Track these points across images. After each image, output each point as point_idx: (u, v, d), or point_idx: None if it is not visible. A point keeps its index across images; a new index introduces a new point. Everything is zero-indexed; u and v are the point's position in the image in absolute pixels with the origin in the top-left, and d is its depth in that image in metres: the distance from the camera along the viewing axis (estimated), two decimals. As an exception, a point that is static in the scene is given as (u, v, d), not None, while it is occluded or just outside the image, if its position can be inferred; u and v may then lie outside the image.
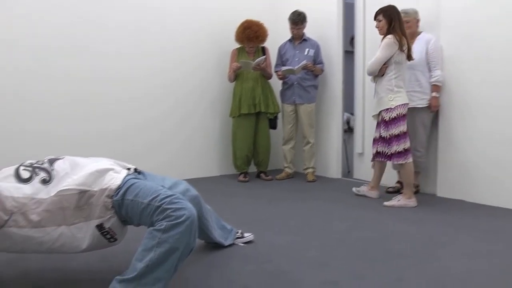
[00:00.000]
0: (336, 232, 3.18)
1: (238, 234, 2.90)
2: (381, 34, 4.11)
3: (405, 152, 4.00)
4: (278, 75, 5.39)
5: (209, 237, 2.67)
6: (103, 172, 2.02)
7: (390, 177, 4.62)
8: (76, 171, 2.03)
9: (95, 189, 1.97)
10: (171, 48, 5.29)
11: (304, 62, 5.10)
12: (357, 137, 5.44)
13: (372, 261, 2.58)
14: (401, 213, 3.71)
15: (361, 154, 5.36)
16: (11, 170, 2.06)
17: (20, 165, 2.08)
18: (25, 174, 2.01)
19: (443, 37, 4.30)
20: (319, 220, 3.50)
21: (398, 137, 3.99)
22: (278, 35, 5.64)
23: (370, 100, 4.96)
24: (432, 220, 3.51)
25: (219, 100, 5.71)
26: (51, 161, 2.11)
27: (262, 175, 5.48)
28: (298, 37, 5.33)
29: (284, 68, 5.23)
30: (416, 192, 4.41)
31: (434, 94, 4.24)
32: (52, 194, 1.95)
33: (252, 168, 5.61)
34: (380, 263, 2.55)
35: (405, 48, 3.97)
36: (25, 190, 1.95)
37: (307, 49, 5.28)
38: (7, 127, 4.24)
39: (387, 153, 4.09)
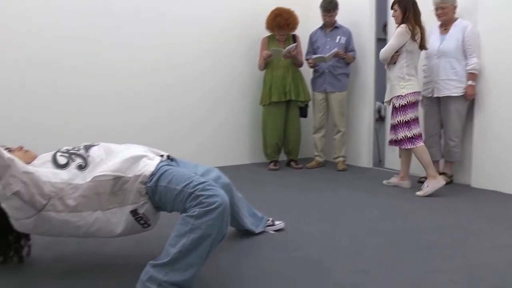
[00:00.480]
0: (366, 221, 3.16)
1: (269, 222, 2.91)
2: (396, 23, 4.16)
3: (414, 137, 4.07)
4: (309, 63, 5.35)
5: (240, 224, 2.69)
6: (137, 158, 2.05)
7: (422, 167, 4.54)
8: (111, 157, 2.07)
9: (129, 175, 2.00)
10: (201, 37, 5.30)
11: (335, 49, 5.04)
12: (388, 126, 5.35)
13: (404, 251, 2.55)
14: (433, 204, 3.65)
15: (392, 143, 5.29)
16: (48, 156, 2.12)
17: (57, 151, 2.13)
18: (62, 160, 2.07)
19: (480, 23, 4.17)
20: (349, 209, 3.47)
21: (407, 123, 4.07)
22: (309, 22, 5.59)
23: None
24: (466, 211, 3.45)
25: (250, 89, 5.71)
26: (87, 148, 2.15)
27: (292, 163, 5.47)
28: (329, 25, 5.26)
29: (315, 56, 5.18)
30: (450, 183, 4.33)
31: (470, 82, 4.13)
32: (88, 179, 1.99)
33: (283, 157, 5.60)
34: (412, 253, 2.52)
35: (417, 37, 4.04)
36: (62, 175, 2.01)
37: (338, 37, 5.21)
38: (42, 121, 4.38)
39: (395, 139, 4.20)
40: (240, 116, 5.70)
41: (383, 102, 4.69)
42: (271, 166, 5.34)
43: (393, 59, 4.15)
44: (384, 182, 4.45)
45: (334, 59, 5.14)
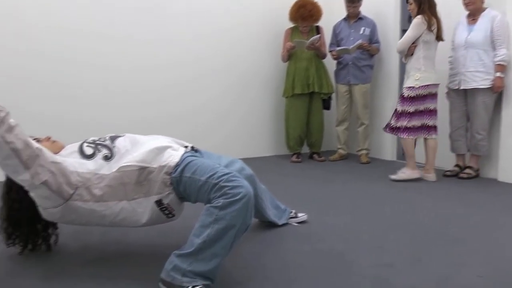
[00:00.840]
0: (390, 214, 3.13)
1: (292, 214, 2.91)
2: (412, 16, 4.18)
3: (411, 129, 4.17)
4: (332, 55, 5.31)
5: (263, 216, 2.69)
6: (162, 149, 2.07)
7: (447, 160, 4.49)
8: (136, 148, 2.09)
9: (154, 166, 2.01)
10: (224, 29, 5.31)
11: (359, 41, 4.98)
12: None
13: (428, 245, 2.52)
14: (459, 197, 3.60)
15: (417, 136, 5.22)
16: (75, 146, 2.15)
17: (84, 142, 2.17)
18: (88, 151, 2.10)
19: (510, 13, 4.07)
20: (372, 202, 3.45)
21: (410, 114, 4.15)
22: (332, 14, 5.54)
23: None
24: (492, 205, 3.39)
25: (273, 80, 5.70)
26: (113, 139, 2.18)
27: (315, 156, 5.45)
28: (353, 16, 5.21)
29: (338, 48, 5.13)
30: (476, 177, 4.26)
31: (498, 74, 4.04)
32: (114, 170, 2.02)
33: (305, 149, 5.58)
34: (436, 247, 2.49)
35: (434, 28, 4.08)
36: (89, 165, 2.04)
37: (362, 28, 5.15)
38: (70, 116, 4.46)
39: (393, 125, 4.26)
40: (263, 108, 5.70)
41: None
42: (294, 158, 5.33)
43: (410, 51, 4.18)
44: (392, 177, 4.30)
45: (358, 50, 5.08)
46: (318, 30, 5.31)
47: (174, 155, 2.05)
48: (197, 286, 1.81)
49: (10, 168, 1.87)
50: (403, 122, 4.17)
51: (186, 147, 2.21)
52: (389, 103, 5.34)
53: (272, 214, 2.74)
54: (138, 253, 2.39)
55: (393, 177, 4.25)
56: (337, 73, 5.41)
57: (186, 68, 5.09)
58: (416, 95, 4.12)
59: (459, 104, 4.32)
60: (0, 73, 4.10)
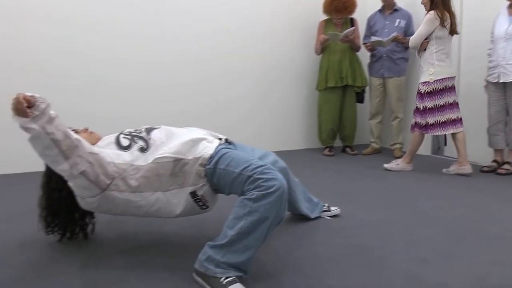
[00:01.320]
0: (424, 209, 3.07)
1: (324, 208, 2.90)
2: (426, 10, 4.18)
3: (436, 125, 4.17)
4: (366, 47, 5.23)
5: (296, 209, 2.69)
6: (196, 141, 2.08)
7: (485, 156, 4.37)
8: (171, 140, 2.12)
9: (189, 158, 2.04)
10: (256, 21, 5.31)
11: (393, 34, 4.89)
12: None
13: (464, 241, 2.47)
14: (496, 193, 3.50)
15: (453, 131, 5.10)
16: (112, 137, 2.20)
17: (120, 133, 2.21)
18: (124, 142, 2.14)
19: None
20: (406, 197, 3.39)
21: (432, 110, 4.16)
22: (367, 5, 5.48)
23: (464, 74, 4.70)
24: (532, 202, 3.29)
25: (305, 73, 5.67)
26: (148, 130, 2.21)
27: (348, 149, 5.40)
28: (388, 7, 5.12)
29: (373, 38, 5.05)
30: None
31: None
32: (149, 161, 2.05)
33: (338, 143, 5.54)
34: (472, 243, 2.44)
35: (447, 23, 4.07)
36: (125, 156, 2.07)
37: (398, 20, 5.06)
38: (106, 112, 4.54)
39: (423, 124, 4.24)
40: (295, 101, 5.68)
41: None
42: (326, 152, 5.30)
43: (423, 46, 4.19)
44: (444, 170, 4.31)
45: (392, 43, 4.99)
46: (352, 22, 5.24)
47: (209, 147, 2.07)
48: (230, 277, 1.82)
49: (50, 158, 1.92)
50: (428, 119, 4.17)
51: (220, 139, 2.22)
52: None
53: (304, 207, 2.74)
54: (171, 243, 2.42)
55: (386, 165, 4.43)
56: (370, 66, 5.33)
57: (217, 62, 5.12)
58: (433, 89, 4.12)
59: (498, 97, 4.20)
60: (33, 69, 4.22)
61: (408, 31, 5.04)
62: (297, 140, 5.73)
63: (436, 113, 4.16)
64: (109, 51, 4.54)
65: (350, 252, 2.31)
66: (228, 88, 5.21)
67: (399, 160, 4.44)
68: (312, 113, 5.67)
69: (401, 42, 5.00)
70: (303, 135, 5.78)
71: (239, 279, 1.85)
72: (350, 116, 5.34)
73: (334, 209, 2.92)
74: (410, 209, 3.09)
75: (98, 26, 4.47)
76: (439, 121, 4.15)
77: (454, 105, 4.19)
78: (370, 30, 5.25)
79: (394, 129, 5.24)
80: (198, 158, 2.03)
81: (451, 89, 4.18)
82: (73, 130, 2.13)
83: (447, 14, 4.06)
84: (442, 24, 4.05)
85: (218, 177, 2.00)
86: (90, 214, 2.46)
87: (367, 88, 5.41)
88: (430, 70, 4.14)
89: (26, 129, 1.80)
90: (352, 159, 5.08)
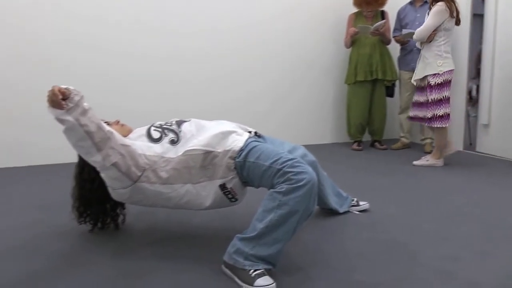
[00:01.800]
0: (455, 206, 3.02)
1: (353, 202, 2.88)
2: (431, 2, 4.17)
3: (444, 116, 4.16)
4: (396, 40, 5.15)
5: (324, 203, 2.68)
6: (226, 134, 2.09)
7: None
8: (202, 133, 2.13)
9: (219, 150, 2.05)
10: (285, 13, 5.28)
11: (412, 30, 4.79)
12: (482, 107, 5.04)
13: (497, 239, 2.41)
14: (531, 190, 3.42)
15: (486, 126, 4.98)
16: (143, 130, 2.22)
17: (151, 126, 2.23)
18: (155, 135, 2.16)
19: None
20: (437, 193, 3.34)
21: (440, 101, 4.15)
22: (398, -3, 5.38)
23: (500, 67, 4.58)
24: None
25: (334, 67, 5.62)
26: (179, 123, 2.23)
27: (377, 144, 5.34)
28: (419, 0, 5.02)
29: (404, 31, 4.95)
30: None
31: None
32: (180, 153, 2.07)
33: (366, 137, 5.49)
34: (506, 241, 2.38)
35: (455, 14, 4.08)
36: (156, 149, 2.10)
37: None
38: (132, 107, 4.59)
39: (427, 116, 4.23)
40: (324, 95, 5.65)
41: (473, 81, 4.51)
42: (355, 146, 5.25)
43: (429, 38, 4.15)
44: (414, 163, 4.40)
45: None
46: (383, 15, 5.17)
47: (239, 140, 2.07)
48: (258, 270, 1.83)
49: (83, 150, 1.96)
50: (435, 111, 4.17)
51: (250, 132, 2.23)
52: (456, 90, 5.13)
53: (333, 202, 2.73)
54: (200, 235, 2.44)
55: (415, 162, 4.36)
56: (401, 59, 5.25)
57: (245, 55, 5.12)
58: (443, 81, 4.13)
59: None
60: (59, 66, 4.30)
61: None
62: (325, 134, 5.70)
63: (445, 104, 4.16)
64: (138, 46, 4.58)
65: (379, 247, 2.29)
66: (256, 82, 5.21)
67: (428, 156, 4.38)
68: (340, 107, 5.63)
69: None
70: (332, 129, 5.75)
71: (268, 272, 1.85)
72: (380, 110, 5.27)
73: (363, 204, 2.89)
74: (442, 205, 3.04)
75: (127, 21, 4.52)
76: (446, 112, 4.16)
77: (449, 99, 4.24)
78: (401, 23, 5.16)
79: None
80: (228, 151, 2.03)
81: (451, 82, 4.23)
82: (105, 122, 2.16)
83: (453, 4, 4.05)
84: (451, 15, 4.05)
85: (248, 170, 2.00)
86: (121, 205, 2.50)
87: (397, 82, 5.33)
88: (438, 62, 4.12)
89: (60, 121, 1.84)
90: (381, 154, 5.02)
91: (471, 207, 2.98)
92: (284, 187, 1.82)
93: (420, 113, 4.37)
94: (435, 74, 4.13)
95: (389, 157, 4.80)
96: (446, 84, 4.14)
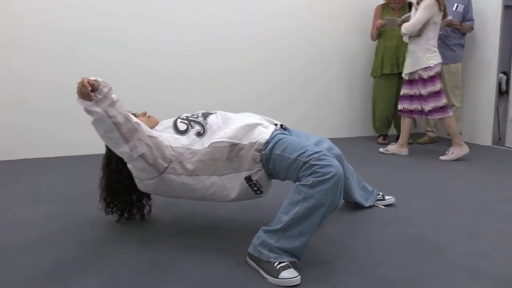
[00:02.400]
0: (483, 202, 2.96)
1: (379, 196, 2.85)
2: None
3: (445, 107, 4.21)
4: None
5: (349, 196, 2.66)
6: (252, 126, 2.09)
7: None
8: (228, 125, 2.14)
9: (245, 143, 2.05)
10: (311, 4, 5.23)
11: (449, 17, 4.69)
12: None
13: (529, 236, 2.37)
14: None
15: (516, 120, 4.88)
16: (170, 122, 2.24)
17: (178, 118, 2.25)
18: (182, 127, 2.17)
19: None
20: (464, 188, 3.28)
21: (438, 93, 4.21)
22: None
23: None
24: None
25: (360, 59, 5.56)
26: (205, 115, 2.24)
27: (403, 138, 5.26)
28: (447, -9, 4.92)
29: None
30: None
31: None
32: (206, 145, 2.08)
33: (392, 131, 5.42)
34: (537, 238, 2.33)
35: (443, 7, 4.15)
36: (182, 141, 2.11)
37: (456, 4, 4.84)
38: (162, 101, 4.62)
39: (425, 109, 4.29)
40: (349, 88, 5.60)
41: (505, 73, 4.41)
42: (380, 140, 5.20)
43: (419, 32, 4.20)
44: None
45: (449, 28, 4.80)
46: (410, 6, 5.07)
47: (265, 132, 2.07)
48: (283, 262, 1.83)
49: (111, 141, 1.98)
50: (435, 103, 4.22)
51: (275, 124, 2.22)
52: (485, 84, 5.04)
53: (358, 195, 2.71)
54: (225, 227, 2.45)
55: (442, 157, 4.30)
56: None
57: (269, 46, 5.10)
58: (435, 73, 4.19)
59: None
60: (84, 61, 4.36)
61: (466, 16, 4.83)
62: (350, 128, 5.65)
63: (442, 95, 4.23)
64: (160, 42, 4.61)
65: (405, 242, 2.26)
66: (280, 74, 5.20)
67: (451, 149, 4.32)
68: (366, 100, 5.57)
69: (456, 28, 4.80)
70: (357, 123, 5.69)
71: (293, 265, 1.85)
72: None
73: (389, 198, 2.87)
74: (470, 200, 2.99)
75: (146, 16, 4.54)
76: (437, 106, 4.22)
77: (443, 91, 4.33)
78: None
79: (451, 117, 5.06)
80: (254, 143, 2.03)
81: (440, 75, 4.33)
82: (132, 114, 2.19)
83: None
84: (440, 8, 4.12)
85: (273, 163, 2.00)
86: (147, 196, 2.53)
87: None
88: (428, 55, 4.19)
89: (89, 112, 1.86)
90: (407, 148, 4.94)
91: (500, 203, 2.92)
92: (310, 180, 1.81)
93: (410, 106, 4.40)
94: (426, 68, 4.19)
95: (415, 151, 4.73)
96: (437, 76, 4.21)
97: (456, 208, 2.81)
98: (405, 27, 4.25)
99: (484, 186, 3.35)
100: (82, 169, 3.76)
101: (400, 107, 4.50)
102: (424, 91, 4.24)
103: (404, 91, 4.45)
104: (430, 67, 4.17)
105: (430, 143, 5.21)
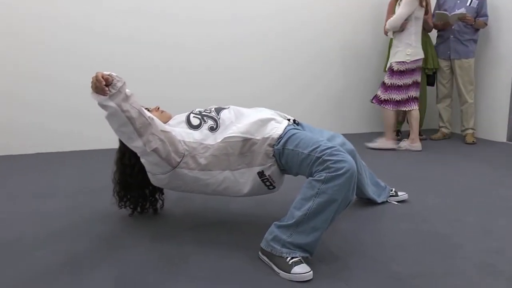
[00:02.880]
0: (499, 198, 2.93)
1: (392, 192, 2.83)
2: None
3: (400, 102, 4.42)
4: (434, 26, 5.00)
5: (362, 192, 2.65)
6: (265, 121, 2.09)
7: None
8: (240, 120, 2.14)
9: (257, 138, 2.04)
10: None
11: (462, 10, 4.63)
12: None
13: (544, 233, 2.34)
14: None
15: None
16: (183, 117, 2.25)
17: (191, 113, 2.25)
18: (195, 121, 2.18)
19: None
20: (479, 185, 3.25)
21: (399, 88, 4.38)
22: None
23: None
24: None
25: (372, 54, 5.53)
26: (218, 110, 2.24)
27: (416, 134, 5.22)
28: (461, -15, 4.87)
29: (437, 12, 4.80)
30: None
31: None
32: (219, 140, 2.08)
33: (406, 126, 5.38)
34: (553, 236, 2.30)
35: (424, 3, 4.29)
36: (195, 135, 2.12)
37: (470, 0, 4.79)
38: (170, 95, 4.62)
39: (381, 98, 4.47)
40: (362, 83, 5.56)
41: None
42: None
43: (402, 27, 4.31)
44: (369, 145, 4.59)
45: (462, 23, 4.74)
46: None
47: (278, 127, 2.07)
48: (295, 257, 1.83)
49: (125, 135, 1.99)
50: (392, 95, 4.39)
51: (288, 120, 2.21)
52: (499, 81, 4.98)
53: (371, 191, 2.69)
54: (237, 222, 2.46)
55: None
56: (437, 46, 5.10)
57: (278, 42, 5.09)
58: (406, 69, 4.34)
59: None
60: (99, 59, 4.38)
61: (480, 12, 4.77)
62: (362, 123, 5.62)
63: (403, 91, 4.38)
64: (172, 36, 4.63)
65: (418, 238, 2.25)
66: (291, 68, 5.19)
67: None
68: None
69: (470, 24, 4.74)
70: (370, 118, 5.66)
71: (305, 260, 1.85)
72: (420, 99, 5.14)
73: (402, 194, 2.85)
74: (484, 197, 2.96)
75: (160, 11, 4.57)
76: (403, 98, 4.41)
77: (419, 84, 4.49)
78: (439, 9, 5.00)
79: (464, 113, 5.01)
80: (267, 138, 2.03)
81: (420, 68, 4.48)
82: (145, 108, 2.19)
83: None
84: (421, 4, 4.25)
85: (286, 158, 2.00)
86: (160, 190, 2.54)
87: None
88: (408, 50, 4.31)
89: (104, 106, 1.87)
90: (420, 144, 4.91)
91: (515, 200, 2.89)
92: (323, 175, 1.81)
93: (404, 96, 4.48)
94: (401, 62, 4.33)
95: (428, 147, 4.69)
96: (408, 72, 4.36)
97: (470, 205, 2.79)
98: (388, 23, 4.37)
99: (499, 183, 3.31)
100: (96, 164, 3.79)
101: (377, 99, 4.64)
102: (389, 81, 4.40)
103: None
104: (405, 62, 4.31)
105: (443, 139, 5.17)
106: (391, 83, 4.39)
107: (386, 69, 4.58)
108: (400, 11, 4.25)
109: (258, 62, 5.05)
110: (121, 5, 4.41)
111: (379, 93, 4.50)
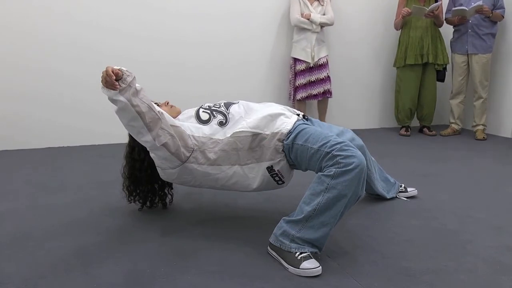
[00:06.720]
0: (509, 195, 2.90)
1: (401, 188, 2.82)
2: None
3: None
4: (448, 21, 4.95)
5: (371, 188, 2.64)
6: (275, 116, 2.08)
7: None
8: (250, 115, 2.13)
9: (267, 133, 2.04)
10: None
11: (479, 2, 4.58)
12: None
13: (555, 230, 2.32)
14: None
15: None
16: (192, 111, 2.25)
17: (200, 108, 2.25)
18: (204, 116, 2.18)
19: None
20: (488, 181, 3.22)
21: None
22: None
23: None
24: None
25: (382, 49, 5.48)
26: (227, 105, 2.24)
27: (426, 130, 5.20)
28: (476, -21, 4.81)
29: (454, 9, 4.75)
30: None
31: None
32: (228, 135, 2.08)
33: (415, 122, 5.35)
34: None
35: None
36: (205, 130, 2.12)
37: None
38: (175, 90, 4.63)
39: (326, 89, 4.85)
40: (372, 78, 5.52)
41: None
42: (403, 131, 5.13)
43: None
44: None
45: (478, 16, 4.69)
46: (435, -4, 4.98)
47: (287, 122, 2.06)
48: (304, 253, 1.83)
49: (134, 130, 1.99)
50: None
51: (298, 115, 2.21)
52: (510, 76, 4.92)
53: (380, 187, 2.68)
54: (246, 217, 2.46)
55: None
56: (454, 41, 5.04)
57: (287, 36, 5.06)
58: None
59: None
60: (109, 55, 4.39)
61: (496, 4, 4.70)
62: (372, 119, 5.59)
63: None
64: (184, 32, 4.62)
65: (427, 234, 2.24)
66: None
67: None
68: (388, 91, 5.50)
69: (487, 16, 4.68)
70: (379, 114, 5.63)
71: (314, 255, 1.86)
72: (430, 95, 5.12)
73: (411, 190, 2.84)
74: (495, 193, 2.94)
75: (170, 7, 4.55)
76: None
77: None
78: (454, 3, 4.94)
79: (477, 109, 4.95)
80: (276, 133, 2.03)
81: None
82: (154, 103, 2.19)
83: None
84: None
85: (296, 153, 1.99)
86: (169, 185, 2.55)
87: (448, 66, 5.14)
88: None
89: (113, 101, 1.88)
90: (430, 140, 4.88)
91: (526, 197, 2.87)
92: (332, 170, 1.80)
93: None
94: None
95: (438, 143, 4.67)
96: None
97: (480, 201, 2.77)
98: (329, 19, 4.72)
99: (509, 179, 3.28)
100: (105, 158, 3.81)
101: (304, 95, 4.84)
102: (325, 73, 4.82)
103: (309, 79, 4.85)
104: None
105: (453, 135, 5.13)
106: (326, 75, 4.82)
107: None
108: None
109: (266, 58, 5.03)
110: (139, 2, 4.42)
111: (328, 87, 4.83)
